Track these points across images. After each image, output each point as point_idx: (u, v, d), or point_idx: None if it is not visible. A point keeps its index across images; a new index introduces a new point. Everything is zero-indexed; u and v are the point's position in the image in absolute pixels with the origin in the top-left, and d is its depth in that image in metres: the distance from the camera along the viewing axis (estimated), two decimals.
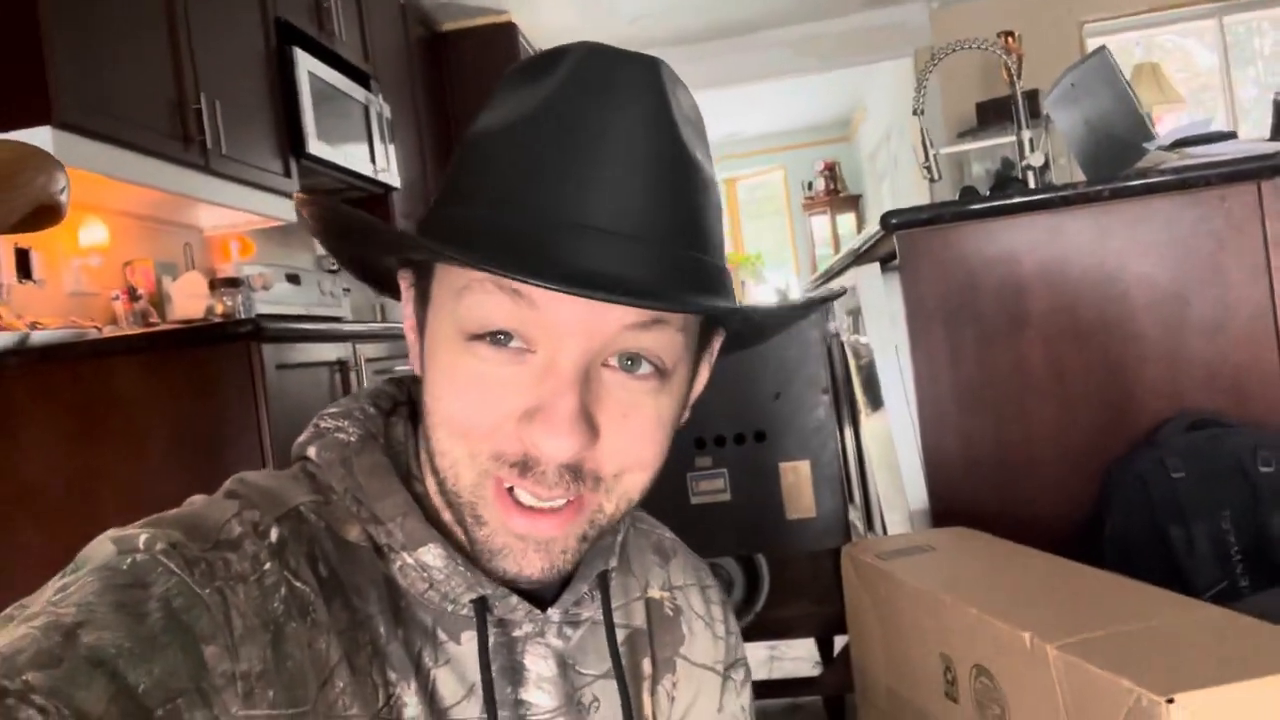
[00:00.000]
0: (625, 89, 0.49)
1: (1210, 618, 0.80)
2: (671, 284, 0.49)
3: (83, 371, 1.91)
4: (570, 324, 0.48)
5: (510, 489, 0.50)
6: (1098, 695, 0.71)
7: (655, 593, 0.68)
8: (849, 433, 2.21)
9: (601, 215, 0.47)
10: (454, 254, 0.46)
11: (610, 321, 0.48)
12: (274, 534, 0.49)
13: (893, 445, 1.72)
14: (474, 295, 0.48)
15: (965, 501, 1.48)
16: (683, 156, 0.50)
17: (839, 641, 2.01)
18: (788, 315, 0.68)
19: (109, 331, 2.25)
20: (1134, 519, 1.38)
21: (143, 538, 0.45)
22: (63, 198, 0.48)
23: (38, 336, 2.00)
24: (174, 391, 1.88)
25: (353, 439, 0.56)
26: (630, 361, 0.50)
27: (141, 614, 0.41)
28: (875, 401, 1.90)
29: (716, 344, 0.60)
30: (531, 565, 0.51)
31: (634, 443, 0.51)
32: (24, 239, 2.21)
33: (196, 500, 0.51)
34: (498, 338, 0.49)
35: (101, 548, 0.45)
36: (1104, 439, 1.46)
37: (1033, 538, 1.16)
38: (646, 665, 0.65)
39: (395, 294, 0.63)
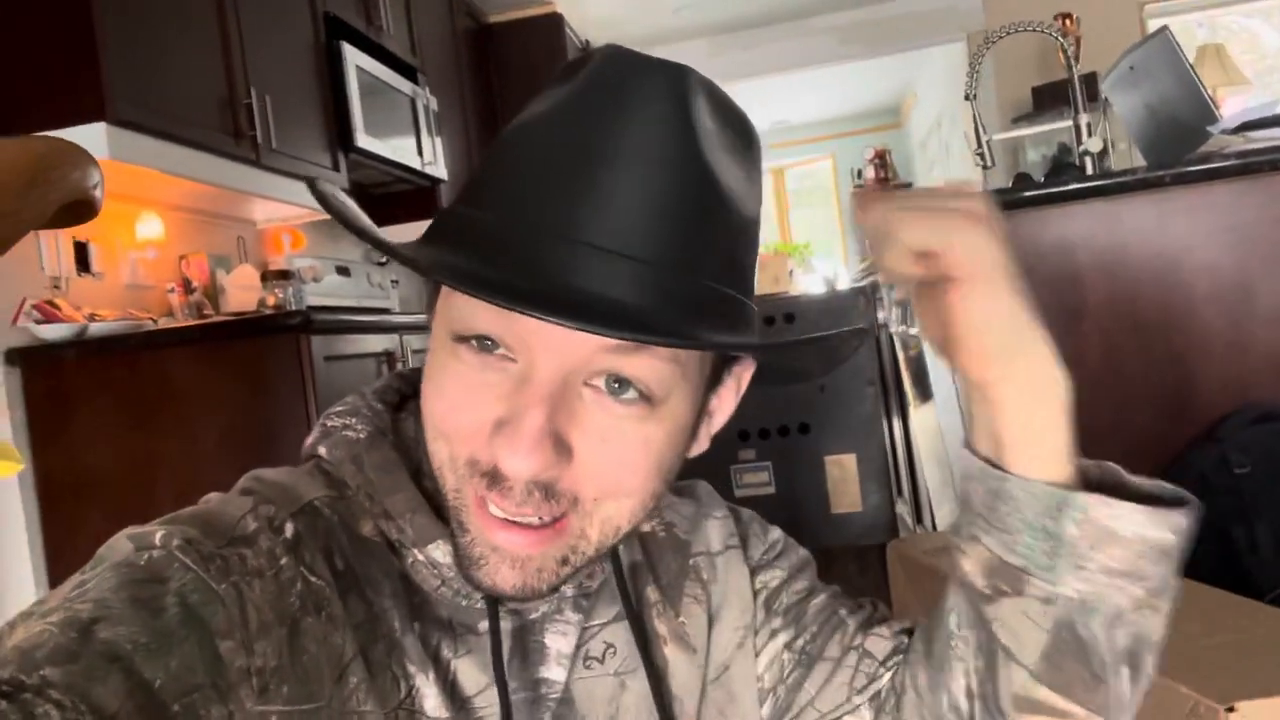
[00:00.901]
0: (638, 98, 0.46)
1: (1273, 624, 0.77)
2: (663, 311, 0.45)
3: (139, 362, 1.95)
4: (545, 339, 0.45)
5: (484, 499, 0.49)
6: (1155, 701, 0.68)
7: (645, 526, 0.65)
8: (897, 425, 2.17)
9: (597, 231, 0.45)
10: (414, 263, 0.45)
11: (587, 342, 0.45)
12: (289, 529, 0.50)
13: (942, 437, 1.68)
14: (459, 297, 0.47)
15: None
16: (700, 172, 0.46)
17: None
18: (807, 352, 0.58)
19: (164, 323, 2.30)
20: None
21: (159, 534, 0.45)
22: (97, 193, 0.48)
23: (96, 328, 2.05)
24: (226, 382, 1.92)
25: (362, 436, 0.56)
26: (617, 385, 0.47)
27: (158, 609, 0.42)
28: (925, 393, 1.86)
29: (744, 375, 0.57)
30: (505, 579, 0.49)
31: (613, 468, 0.48)
32: (82, 233, 2.27)
33: (212, 498, 0.51)
34: (484, 342, 0.47)
35: (119, 545, 0.45)
36: (1164, 434, 1.41)
37: None
38: (651, 593, 0.62)
39: None
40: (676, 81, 0.47)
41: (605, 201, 0.45)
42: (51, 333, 2.01)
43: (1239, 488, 1.31)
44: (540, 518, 0.48)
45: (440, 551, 0.53)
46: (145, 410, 1.92)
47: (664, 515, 0.67)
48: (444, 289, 0.50)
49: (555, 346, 0.45)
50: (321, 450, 0.56)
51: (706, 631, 0.63)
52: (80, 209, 0.49)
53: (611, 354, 0.46)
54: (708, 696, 0.62)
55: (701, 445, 0.56)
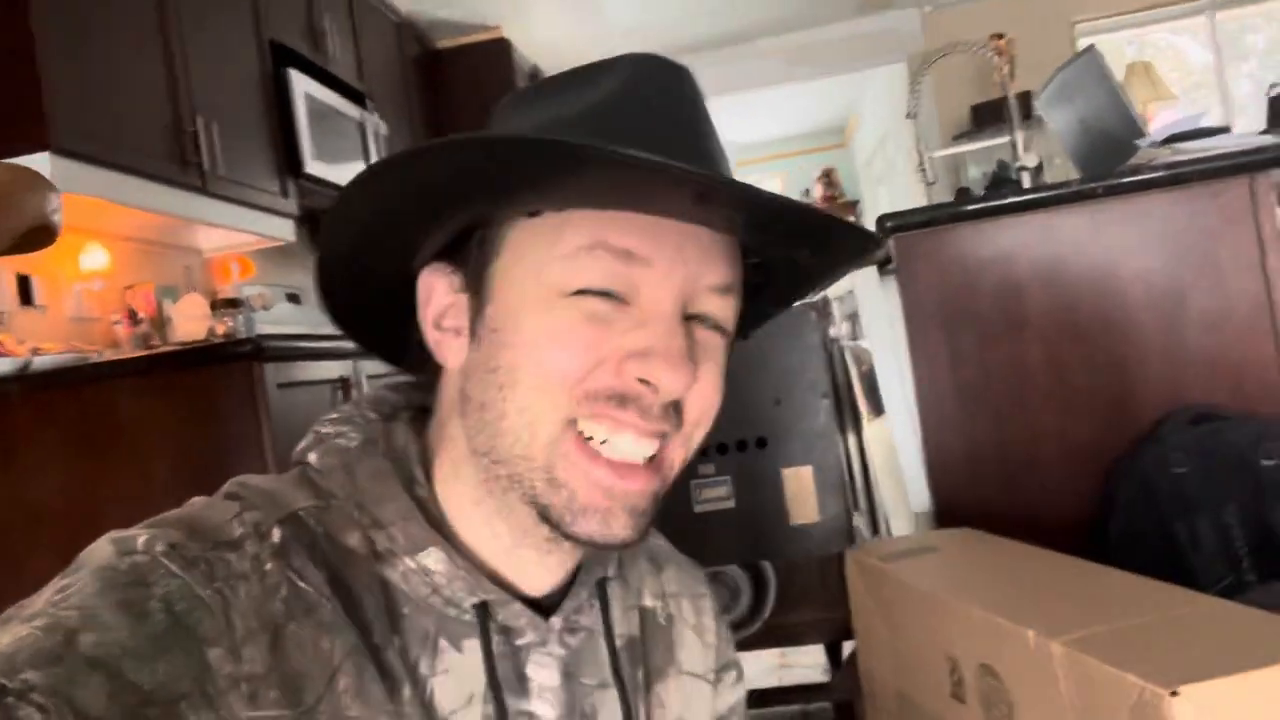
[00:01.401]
0: (679, 84, 0.55)
1: (1213, 610, 0.80)
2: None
3: (85, 395, 1.91)
4: (675, 277, 0.52)
5: (588, 441, 0.51)
6: (1102, 690, 0.71)
7: (648, 601, 0.68)
8: (852, 440, 2.21)
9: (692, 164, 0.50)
10: (634, 156, 0.43)
11: (702, 279, 0.53)
12: (276, 535, 0.50)
13: (895, 451, 1.72)
14: (582, 260, 0.51)
15: (968, 503, 1.48)
16: (721, 146, 0.57)
17: (848, 647, 2.01)
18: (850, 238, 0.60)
19: (110, 355, 2.25)
20: (1138, 516, 1.38)
21: (142, 539, 0.45)
22: (56, 218, 0.49)
23: (40, 361, 2.01)
24: (177, 413, 1.89)
25: (354, 444, 0.56)
26: (699, 318, 0.54)
27: (143, 614, 0.42)
28: (877, 408, 1.90)
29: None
30: (618, 524, 0.52)
31: (711, 389, 0.55)
32: (24, 265, 2.22)
33: (197, 502, 0.51)
34: (604, 294, 0.51)
35: (101, 549, 0.45)
36: (1106, 436, 1.46)
37: (1037, 537, 1.16)
38: (640, 675, 0.64)
39: (382, 351, 0.64)
40: (694, 79, 0.57)
41: (693, 148, 0.53)
42: None
43: (1179, 486, 1.35)
44: (655, 448, 0.52)
45: (433, 559, 0.53)
46: (94, 444, 1.88)
47: (672, 604, 0.69)
48: (528, 260, 0.52)
49: (680, 282, 0.52)
50: (312, 458, 0.56)
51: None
52: (39, 235, 0.49)
53: (713, 294, 0.54)
54: None
55: None
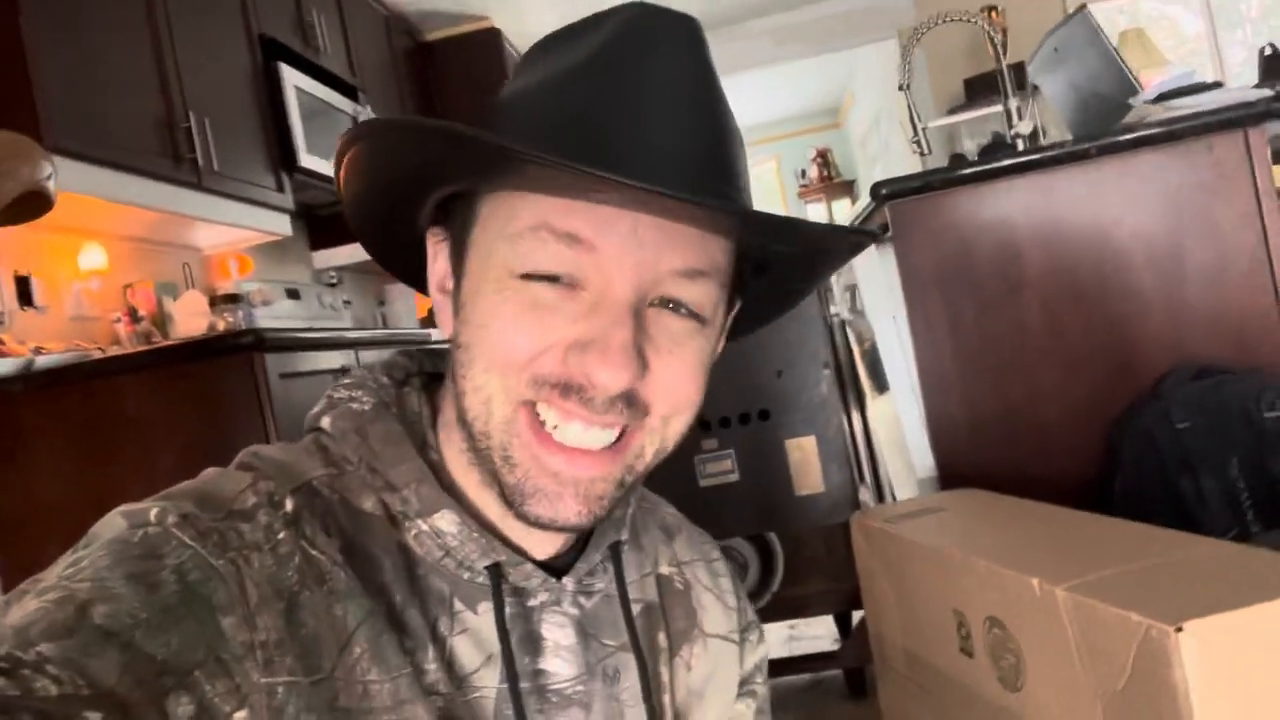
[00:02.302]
0: (669, 40, 0.51)
1: (1216, 551, 0.81)
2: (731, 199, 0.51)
3: (89, 392, 1.92)
4: (626, 263, 0.49)
5: (543, 424, 0.50)
6: (1108, 631, 0.71)
7: (664, 569, 0.68)
8: (855, 416, 2.21)
9: (651, 153, 0.49)
10: (547, 158, 0.43)
11: (662, 263, 0.50)
12: (289, 504, 0.50)
13: (900, 425, 1.72)
14: (527, 243, 0.49)
15: (972, 466, 1.48)
16: (719, 103, 0.53)
17: (856, 616, 2.01)
18: (828, 237, 0.58)
19: (113, 353, 2.26)
20: (1143, 473, 1.38)
21: (153, 511, 0.45)
22: (50, 184, 0.49)
23: (42, 360, 2.01)
24: (180, 406, 1.89)
25: (367, 408, 0.56)
26: (672, 305, 0.51)
27: (155, 584, 0.42)
28: (880, 385, 1.90)
29: (732, 314, 0.61)
30: (568, 509, 0.51)
31: (680, 379, 0.52)
32: (24, 265, 2.22)
33: (210, 473, 0.51)
34: (552, 279, 0.49)
35: (112, 522, 0.45)
36: (1108, 395, 1.46)
37: (1042, 496, 1.16)
38: (662, 639, 0.65)
39: (405, 274, 0.64)
40: (693, 27, 0.54)
41: (656, 129, 0.49)
42: None
43: (1182, 442, 1.35)
44: (615, 435, 0.51)
45: (445, 520, 0.53)
46: (99, 439, 1.88)
47: (687, 570, 0.70)
48: (490, 237, 0.51)
49: (633, 268, 0.49)
50: (325, 422, 0.56)
51: (687, 699, 0.66)
52: (34, 201, 0.49)
53: (678, 279, 0.51)
54: None
55: None
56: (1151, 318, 1.46)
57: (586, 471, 0.51)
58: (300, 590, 0.47)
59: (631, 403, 0.50)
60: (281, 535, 0.48)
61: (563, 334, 0.49)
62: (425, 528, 0.53)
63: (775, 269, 0.60)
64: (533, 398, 0.50)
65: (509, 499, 0.51)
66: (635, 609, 0.62)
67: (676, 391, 0.52)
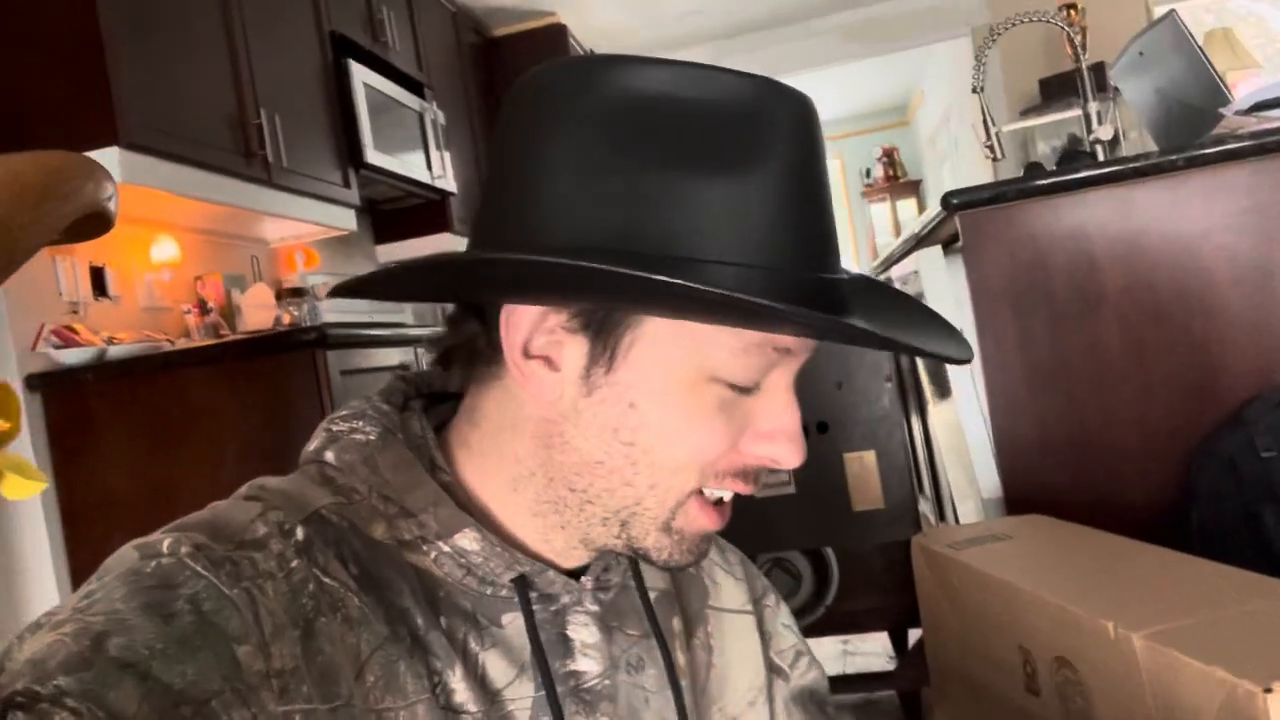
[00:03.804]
0: (820, 139, 0.54)
1: None
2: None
3: (158, 383, 1.97)
4: (802, 359, 0.55)
5: (702, 496, 0.54)
6: (1189, 686, 0.67)
7: None
8: (916, 423, 2.15)
9: (831, 263, 0.53)
10: (796, 318, 0.48)
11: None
12: (300, 533, 0.49)
13: (962, 434, 1.67)
14: (753, 358, 0.52)
15: (1040, 489, 1.43)
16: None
17: (913, 634, 1.97)
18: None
19: (182, 344, 2.32)
20: (1223, 502, 1.32)
21: (166, 542, 0.45)
22: (111, 206, 0.48)
23: (114, 351, 2.07)
24: (244, 401, 1.93)
25: (372, 437, 0.55)
26: None
27: (170, 614, 0.42)
28: (943, 390, 1.85)
29: None
30: (702, 553, 0.57)
31: None
32: (98, 256, 2.29)
33: (217, 505, 0.51)
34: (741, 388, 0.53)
35: (124, 555, 0.46)
36: (1188, 420, 1.39)
37: (1114, 526, 1.11)
38: (676, 623, 0.65)
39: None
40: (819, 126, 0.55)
41: (831, 239, 0.53)
42: (70, 357, 2.03)
43: (1267, 471, 1.29)
44: None
45: (468, 540, 0.53)
46: (165, 430, 1.93)
47: None
48: (668, 344, 0.50)
49: (802, 362, 0.55)
50: (329, 455, 0.55)
51: (709, 678, 0.67)
52: (95, 223, 0.49)
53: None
54: None
55: None
56: (1237, 340, 1.39)
57: (723, 523, 0.56)
58: (316, 617, 0.47)
59: None
60: (295, 564, 0.48)
61: (742, 426, 0.53)
62: (446, 549, 0.53)
63: None
64: (709, 485, 0.54)
65: (642, 553, 0.55)
66: (652, 595, 0.63)
67: None
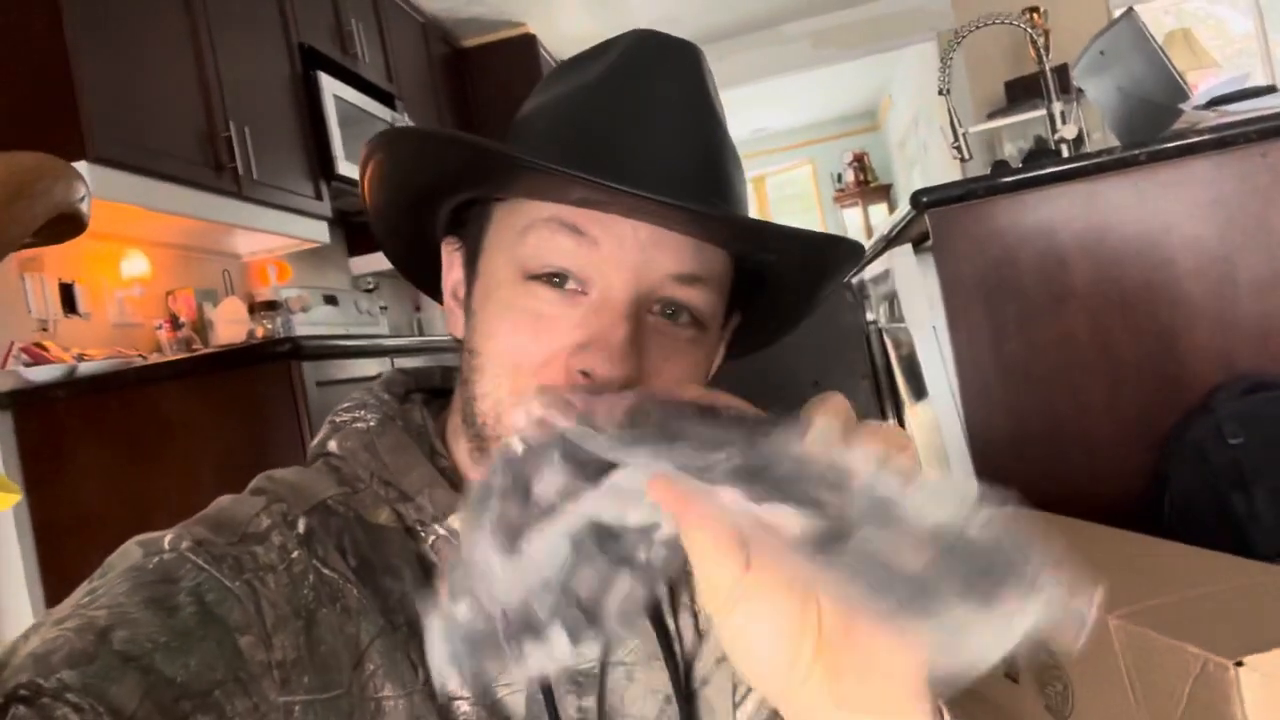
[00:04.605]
0: (670, 64, 0.54)
1: (1272, 579, 0.78)
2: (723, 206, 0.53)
3: (131, 399, 1.94)
4: (627, 263, 0.50)
5: None
6: (1163, 663, 0.69)
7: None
8: (892, 423, 2.17)
9: (650, 167, 0.51)
10: (550, 165, 0.46)
11: (660, 267, 0.51)
12: (302, 524, 0.50)
13: (939, 433, 1.69)
14: (538, 233, 0.51)
15: (1014, 480, 1.43)
16: (715, 122, 0.55)
17: None
18: (820, 247, 0.57)
19: (154, 360, 2.29)
20: (1194, 488, 1.34)
21: (168, 538, 0.46)
22: (83, 206, 0.48)
23: (85, 367, 2.05)
24: (220, 413, 1.91)
25: (372, 424, 0.57)
26: (672, 312, 0.53)
27: (172, 607, 0.42)
28: (918, 392, 1.87)
29: (731, 326, 0.62)
30: None
31: (674, 384, 0.52)
32: (67, 273, 2.26)
33: (223, 500, 0.52)
34: (554, 279, 0.51)
35: (128, 551, 0.46)
36: (1158, 409, 1.42)
37: (1088, 514, 1.13)
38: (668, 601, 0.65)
39: (425, 283, 0.65)
40: (695, 55, 0.56)
41: (657, 151, 0.52)
42: (40, 374, 2.00)
43: (1235, 457, 1.31)
44: None
45: (461, 522, 0.53)
46: (139, 446, 1.91)
47: None
48: (503, 235, 0.54)
49: (634, 269, 0.51)
50: (332, 445, 0.57)
51: (696, 643, 0.64)
52: (67, 224, 0.49)
53: (677, 283, 0.52)
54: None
55: None
56: (1202, 329, 1.42)
57: None
58: (317, 608, 0.47)
59: None
60: (295, 555, 0.48)
61: (565, 341, 0.50)
62: (442, 531, 0.54)
63: (775, 282, 0.60)
64: (523, 399, 0.50)
65: None
66: None
67: None
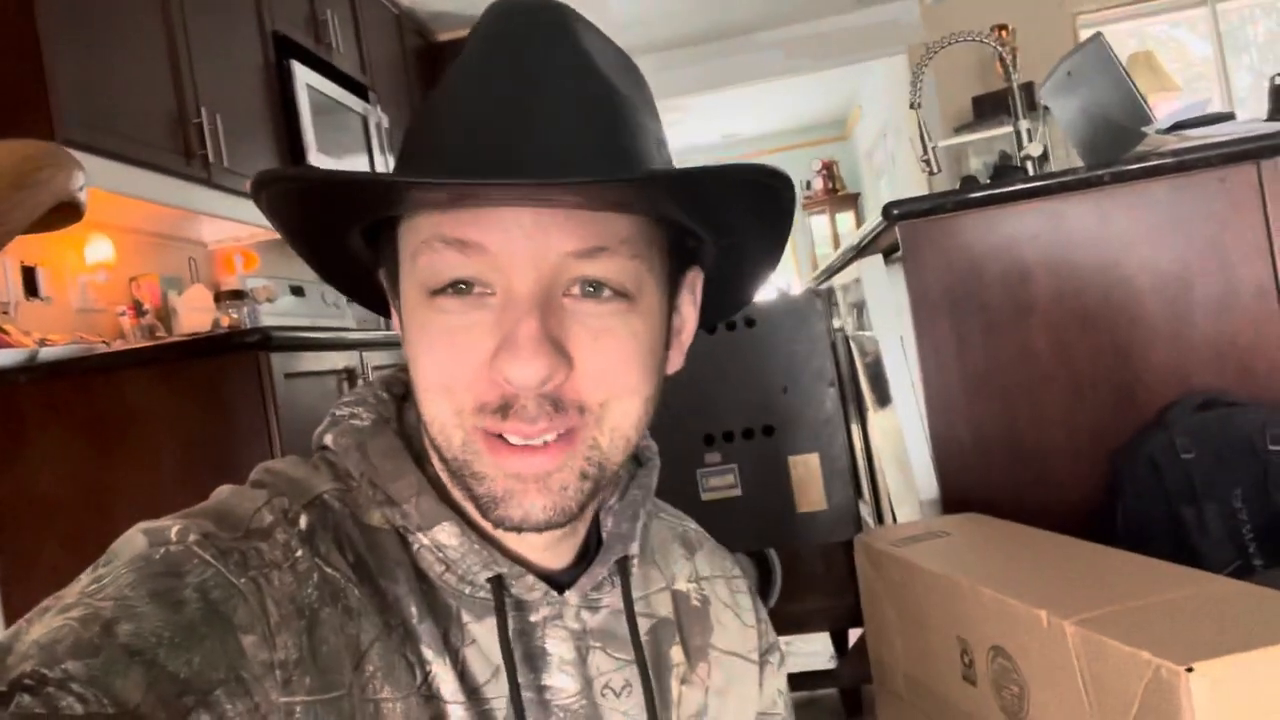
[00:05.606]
0: (534, 32, 0.51)
1: (1225, 590, 0.81)
2: (598, 162, 0.50)
3: (93, 386, 1.91)
4: (519, 255, 0.48)
5: (499, 435, 0.50)
6: (1116, 668, 0.71)
7: (682, 585, 0.68)
8: (856, 429, 2.21)
9: (535, 149, 0.49)
10: (399, 178, 0.46)
11: (556, 247, 0.48)
12: (303, 521, 0.50)
13: (902, 440, 1.72)
14: (426, 255, 0.49)
15: (976, 490, 1.49)
16: (597, 80, 0.51)
17: (853, 634, 2.01)
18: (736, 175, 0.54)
19: (117, 346, 2.26)
20: (1146, 501, 1.38)
21: (175, 529, 0.45)
22: (81, 195, 0.49)
23: (46, 353, 2.01)
24: (184, 403, 1.89)
25: (367, 424, 0.56)
26: (592, 288, 0.50)
27: (178, 603, 0.42)
28: (882, 398, 1.91)
29: (696, 282, 0.60)
30: (534, 505, 0.50)
31: (611, 366, 0.50)
32: (30, 256, 2.22)
33: (224, 490, 0.52)
34: (458, 287, 0.49)
35: (134, 540, 0.45)
36: (1114, 422, 1.46)
37: (1045, 523, 1.16)
38: (677, 654, 0.64)
39: (351, 290, 0.65)
40: (559, 15, 0.53)
41: (535, 137, 0.49)
42: (0, 358, 1.96)
43: (1187, 472, 1.35)
44: (555, 434, 0.49)
45: (446, 533, 0.53)
46: (101, 434, 1.88)
47: (706, 586, 0.69)
48: (405, 261, 0.52)
49: (528, 259, 0.48)
50: (328, 439, 0.56)
51: (700, 716, 0.65)
52: (65, 212, 0.49)
53: (579, 259, 0.49)
54: None
55: (675, 363, 0.59)
56: (1158, 347, 1.47)
57: (543, 465, 0.50)
58: (320, 608, 0.47)
59: (559, 406, 0.49)
60: (299, 553, 0.48)
61: (484, 347, 0.49)
62: (426, 542, 0.53)
63: (723, 227, 0.58)
64: (481, 425, 0.50)
65: (484, 511, 0.51)
66: (644, 624, 0.62)
67: (607, 378, 0.50)
